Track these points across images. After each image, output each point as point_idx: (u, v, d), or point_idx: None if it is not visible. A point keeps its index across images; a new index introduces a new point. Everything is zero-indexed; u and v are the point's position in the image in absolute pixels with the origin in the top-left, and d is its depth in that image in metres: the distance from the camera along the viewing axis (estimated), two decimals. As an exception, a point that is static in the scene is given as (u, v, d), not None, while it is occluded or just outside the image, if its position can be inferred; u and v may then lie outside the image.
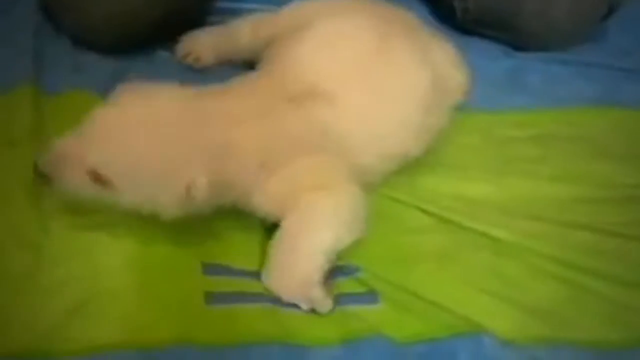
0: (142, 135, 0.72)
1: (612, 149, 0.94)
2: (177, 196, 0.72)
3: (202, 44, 0.94)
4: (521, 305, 0.77)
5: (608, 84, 1.02)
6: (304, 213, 0.75)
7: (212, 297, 0.74)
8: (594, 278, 0.80)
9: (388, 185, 0.86)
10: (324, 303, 0.74)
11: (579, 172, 0.91)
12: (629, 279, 0.80)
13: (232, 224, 0.80)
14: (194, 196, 0.71)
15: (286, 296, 0.74)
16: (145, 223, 0.76)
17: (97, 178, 0.71)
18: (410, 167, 0.87)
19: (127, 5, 0.90)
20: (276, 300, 0.75)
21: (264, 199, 0.76)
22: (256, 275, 0.77)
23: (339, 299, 0.76)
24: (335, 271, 0.78)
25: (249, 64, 0.91)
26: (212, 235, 0.79)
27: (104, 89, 0.83)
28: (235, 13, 1.04)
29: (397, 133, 0.81)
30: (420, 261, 0.81)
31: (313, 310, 0.74)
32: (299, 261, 0.75)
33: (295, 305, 0.75)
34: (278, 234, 0.76)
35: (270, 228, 0.79)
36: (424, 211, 0.85)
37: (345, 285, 0.77)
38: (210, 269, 0.76)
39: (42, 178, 0.73)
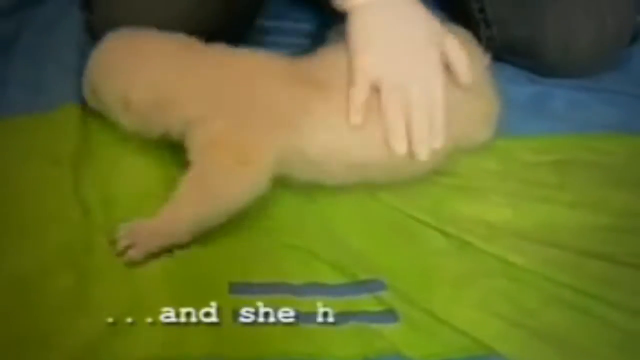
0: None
1: (631, 177, 0.96)
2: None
3: None
4: (533, 331, 0.79)
5: (629, 111, 1.04)
6: (204, 179, 0.84)
7: (238, 315, 0.78)
8: (606, 307, 0.81)
9: (414, 206, 0.90)
10: None
11: (597, 199, 0.93)
12: (635, 308, 0.81)
13: (257, 242, 0.85)
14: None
15: None
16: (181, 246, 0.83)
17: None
18: (436, 189, 0.91)
19: (171, 26, 0.93)
20: (300, 317, 0.78)
21: (196, 137, 0.85)
22: (282, 288, 0.81)
23: (361, 317, 0.79)
24: (361, 287, 0.82)
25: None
26: (238, 256, 0.83)
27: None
28: (277, 31, 1.09)
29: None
30: (439, 283, 0.84)
31: None
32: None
33: (319, 323, 0.78)
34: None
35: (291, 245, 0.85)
36: (445, 234, 0.88)
37: (368, 303, 0.81)
38: (237, 288, 0.80)
39: None
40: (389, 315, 0.80)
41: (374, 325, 0.79)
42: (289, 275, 0.83)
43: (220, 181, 0.84)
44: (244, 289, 0.80)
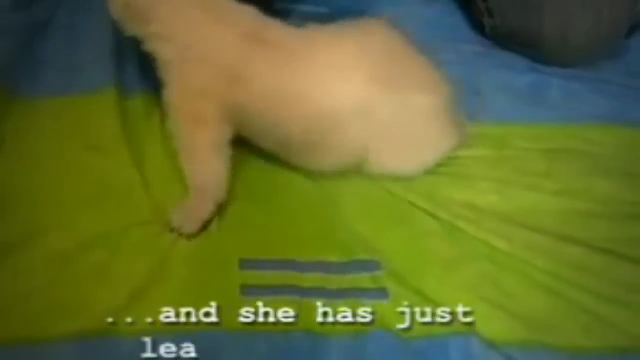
0: None
1: (617, 167, 1.00)
2: None
3: None
4: (509, 312, 0.87)
5: (622, 102, 1.07)
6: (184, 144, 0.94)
7: (246, 290, 0.86)
8: (579, 291, 0.88)
9: (411, 192, 0.96)
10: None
11: (582, 187, 0.97)
12: (609, 295, 0.88)
13: (270, 219, 0.93)
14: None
15: None
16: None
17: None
18: (432, 176, 0.97)
19: None
20: (302, 292, 0.86)
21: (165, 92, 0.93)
22: (288, 265, 0.89)
23: (356, 293, 0.87)
24: (359, 266, 0.89)
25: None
26: (249, 235, 0.91)
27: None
28: (291, 14, 1.14)
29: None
30: (430, 265, 0.90)
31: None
32: None
33: (318, 297, 0.86)
34: None
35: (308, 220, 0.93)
36: (437, 218, 0.94)
37: (364, 281, 0.88)
38: (247, 264, 0.88)
39: None
40: (381, 292, 0.87)
41: (367, 301, 0.86)
42: (295, 253, 0.90)
43: (190, 143, 0.93)
44: (253, 265, 0.88)
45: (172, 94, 0.93)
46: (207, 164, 0.93)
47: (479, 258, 0.91)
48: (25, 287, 0.85)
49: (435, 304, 0.86)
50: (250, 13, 0.94)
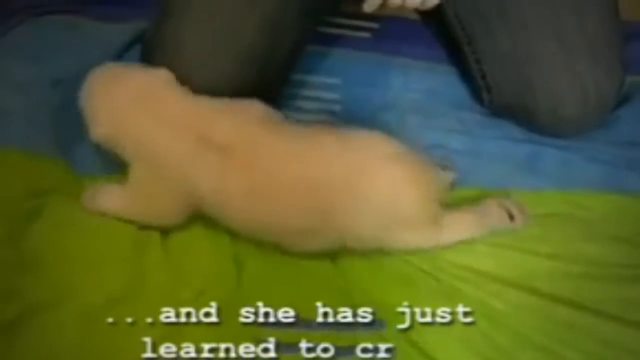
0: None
1: (604, 231, 1.06)
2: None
3: None
4: None
5: (613, 170, 1.13)
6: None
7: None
8: (568, 349, 0.94)
9: (416, 255, 1.01)
10: None
11: (573, 251, 1.03)
12: (598, 353, 0.94)
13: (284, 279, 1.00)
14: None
15: None
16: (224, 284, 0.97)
17: None
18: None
19: (208, 81, 1.03)
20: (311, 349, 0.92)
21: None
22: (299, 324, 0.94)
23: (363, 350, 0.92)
24: (366, 325, 0.94)
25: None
26: (267, 295, 0.96)
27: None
28: (305, 85, 1.21)
29: None
30: (431, 325, 0.94)
31: None
32: None
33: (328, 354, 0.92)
34: None
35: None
36: (439, 280, 1.00)
37: (370, 338, 0.93)
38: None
39: None
40: (387, 349, 0.92)
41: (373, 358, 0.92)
42: (307, 312, 0.94)
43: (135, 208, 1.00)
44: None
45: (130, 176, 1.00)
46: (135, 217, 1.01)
47: (477, 316, 0.96)
48: (57, 344, 0.89)
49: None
50: (201, 108, 0.99)
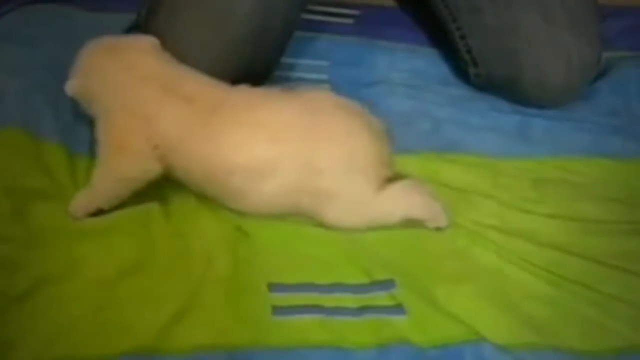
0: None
1: (596, 193, 1.11)
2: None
3: None
4: (516, 318, 0.94)
5: (598, 138, 1.19)
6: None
7: (277, 310, 0.92)
8: (576, 298, 0.97)
9: None
10: None
11: (570, 211, 1.08)
12: (604, 302, 0.97)
13: (291, 249, 0.99)
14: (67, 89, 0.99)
15: None
16: (232, 252, 0.97)
17: None
18: (447, 202, 1.04)
19: (202, 65, 1.03)
20: (325, 311, 0.92)
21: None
22: (311, 288, 0.95)
23: (376, 311, 0.93)
24: (377, 286, 0.96)
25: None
26: (276, 259, 0.97)
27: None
28: (293, 68, 1.23)
29: None
30: (442, 281, 0.97)
31: None
32: None
33: (340, 315, 0.92)
34: None
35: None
36: (449, 241, 1.02)
37: (382, 299, 0.94)
38: (275, 287, 0.94)
39: None
40: (399, 308, 0.93)
41: (386, 317, 0.92)
42: (318, 277, 0.96)
43: (112, 162, 1.00)
44: (280, 288, 0.94)
45: (101, 130, 1.00)
46: (114, 190, 1.00)
47: (485, 272, 0.99)
48: (72, 312, 0.88)
49: (447, 314, 0.93)
50: (171, 66, 1.02)
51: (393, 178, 1.02)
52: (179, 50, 1.05)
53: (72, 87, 1.00)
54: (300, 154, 0.98)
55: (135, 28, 1.14)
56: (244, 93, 1.01)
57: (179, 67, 1.03)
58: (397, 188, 1.01)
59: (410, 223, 1.02)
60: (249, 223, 1.01)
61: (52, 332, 0.86)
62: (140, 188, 1.00)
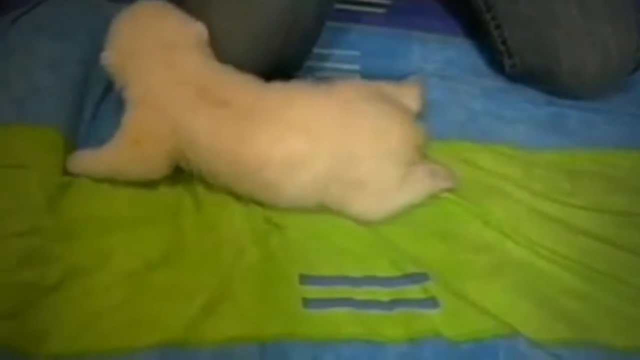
0: None
1: (631, 186, 1.10)
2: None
3: None
4: (550, 313, 0.93)
5: (632, 129, 1.17)
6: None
7: (308, 303, 0.91)
8: (611, 292, 0.96)
9: (462, 208, 1.03)
10: None
11: (603, 203, 1.06)
12: (637, 297, 0.96)
13: (323, 243, 0.98)
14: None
15: None
16: (262, 243, 0.97)
17: None
18: (469, 188, 1.05)
19: (233, 55, 1.03)
20: (357, 304, 0.92)
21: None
22: (343, 281, 0.94)
23: (408, 304, 0.92)
24: (409, 279, 0.95)
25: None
26: (307, 251, 0.97)
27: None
28: (325, 58, 1.22)
29: None
30: (474, 275, 0.97)
31: None
32: None
33: (372, 309, 0.92)
34: None
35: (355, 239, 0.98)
36: (477, 231, 1.01)
37: (414, 292, 0.94)
38: (306, 279, 0.94)
39: None
40: (431, 302, 0.93)
41: (419, 311, 0.92)
42: (350, 270, 0.95)
43: (122, 154, 0.99)
44: (311, 281, 0.94)
45: (125, 117, 1.00)
46: (111, 174, 1.00)
47: (518, 266, 0.98)
48: (103, 304, 0.88)
49: (480, 308, 0.92)
50: (210, 69, 1.01)
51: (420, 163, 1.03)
52: (213, 41, 1.03)
53: (107, 59, 1.00)
54: (333, 144, 0.97)
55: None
56: (278, 91, 1.00)
57: (216, 66, 1.02)
58: (423, 174, 1.02)
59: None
60: (279, 215, 1.00)
61: (83, 324, 0.86)
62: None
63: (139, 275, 0.92)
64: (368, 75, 1.20)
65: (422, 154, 1.04)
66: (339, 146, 0.97)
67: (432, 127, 1.07)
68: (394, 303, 0.93)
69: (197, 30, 1.02)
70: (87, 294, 0.89)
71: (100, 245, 0.94)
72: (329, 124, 0.98)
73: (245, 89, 1.00)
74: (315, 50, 1.16)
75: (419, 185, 1.01)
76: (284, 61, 1.10)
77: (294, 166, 0.97)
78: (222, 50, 1.04)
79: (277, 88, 1.01)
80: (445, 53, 1.26)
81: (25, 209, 0.94)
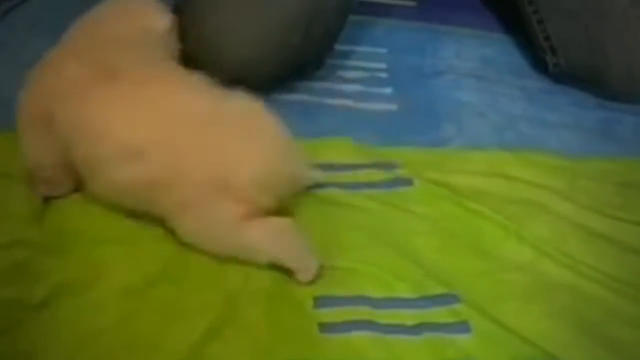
0: None
1: None
2: None
3: None
4: (596, 341, 0.86)
5: None
6: None
7: (325, 327, 0.84)
8: None
9: (487, 220, 0.97)
10: None
11: None
12: None
13: (338, 260, 0.91)
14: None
15: None
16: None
17: None
18: (505, 203, 0.99)
19: (250, 49, 1.00)
20: (379, 329, 0.85)
21: None
22: (362, 301, 0.87)
23: (436, 328, 0.85)
24: (436, 301, 0.88)
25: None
26: (321, 272, 0.89)
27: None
28: (349, 56, 1.16)
29: None
30: (510, 297, 0.90)
31: None
32: None
33: (397, 334, 0.84)
34: None
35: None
36: (517, 252, 0.94)
37: (443, 315, 0.87)
38: (322, 301, 0.87)
39: None
40: (462, 326, 0.86)
41: (448, 336, 0.85)
42: (369, 290, 0.88)
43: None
44: (327, 302, 0.87)
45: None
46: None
47: (559, 287, 0.92)
48: (97, 324, 0.82)
49: (517, 334, 0.85)
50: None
51: (275, 212, 0.91)
52: (221, 35, 1.00)
53: None
54: (172, 150, 0.87)
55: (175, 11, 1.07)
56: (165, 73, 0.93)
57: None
58: (268, 225, 0.89)
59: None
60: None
61: (73, 346, 0.81)
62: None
63: (137, 292, 0.86)
64: (395, 73, 1.15)
65: (279, 201, 0.91)
66: (175, 155, 0.87)
67: (466, 133, 1.04)
68: (420, 327, 0.86)
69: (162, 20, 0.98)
70: (79, 313, 0.84)
71: (92, 259, 0.89)
72: (180, 125, 0.88)
73: (143, 64, 0.93)
74: (337, 46, 1.12)
75: (257, 240, 0.89)
76: (302, 59, 1.05)
77: (122, 155, 0.87)
78: (235, 44, 1.00)
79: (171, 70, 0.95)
80: (482, 50, 1.23)
81: (9, 220, 0.90)
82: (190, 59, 1.00)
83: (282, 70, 1.02)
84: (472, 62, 1.19)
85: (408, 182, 1.00)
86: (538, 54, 1.18)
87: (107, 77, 0.90)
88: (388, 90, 1.11)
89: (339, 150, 1.04)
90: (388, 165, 1.02)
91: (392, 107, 1.09)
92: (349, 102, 1.09)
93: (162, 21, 0.98)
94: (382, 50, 1.19)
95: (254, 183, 0.87)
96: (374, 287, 0.89)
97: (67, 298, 0.84)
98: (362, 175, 1.01)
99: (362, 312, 0.87)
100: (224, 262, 0.89)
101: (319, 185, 0.98)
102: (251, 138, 0.89)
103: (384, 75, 1.15)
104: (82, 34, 0.96)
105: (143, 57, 0.95)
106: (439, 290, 0.89)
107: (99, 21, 0.97)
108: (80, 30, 0.96)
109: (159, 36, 0.97)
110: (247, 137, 0.89)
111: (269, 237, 0.89)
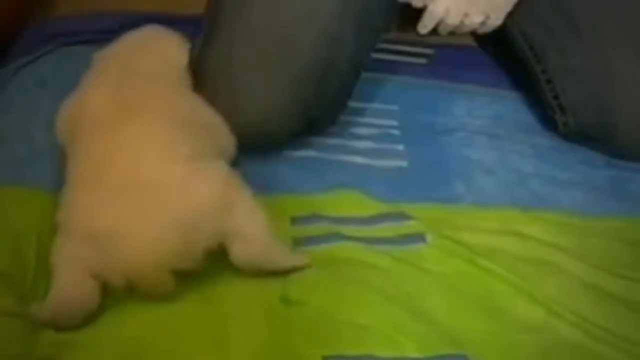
0: None
1: None
2: None
3: None
4: None
5: None
6: None
7: None
8: None
9: (497, 279, 0.95)
10: None
11: None
12: None
13: (347, 318, 0.89)
14: None
15: None
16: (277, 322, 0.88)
17: None
18: (515, 261, 0.97)
19: (264, 102, 0.99)
20: None
21: None
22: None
23: None
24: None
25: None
26: (330, 331, 0.88)
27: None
28: (361, 113, 1.16)
29: None
30: (521, 358, 0.88)
31: None
32: None
33: None
34: None
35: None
36: (528, 311, 0.92)
37: None
38: None
39: None
40: None
41: None
42: (378, 349, 0.86)
43: None
44: None
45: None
46: None
47: (571, 348, 0.90)
48: None
49: None
50: None
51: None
52: (237, 82, 0.99)
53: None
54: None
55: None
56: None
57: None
58: None
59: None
60: (296, 290, 0.91)
61: None
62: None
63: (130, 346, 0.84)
64: (407, 130, 1.14)
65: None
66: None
67: (478, 191, 1.04)
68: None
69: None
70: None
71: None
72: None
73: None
74: (350, 103, 1.11)
75: None
76: (316, 112, 1.04)
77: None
78: (249, 97, 0.99)
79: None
80: (493, 108, 1.21)
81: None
82: None
83: (295, 125, 1.01)
84: (483, 119, 1.18)
85: (421, 238, 0.99)
86: (548, 112, 1.17)
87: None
88: (400, 147, 1.11)
89: (351, 203, 1.03)
90: (401, 217, 1.01)
91: (403, 163, 1.09)
92: (360, 159, 1.09)
93: (183, 54, 1.01)
94: (394, 108, 1.18)
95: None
96: (383, 346, 0.87)
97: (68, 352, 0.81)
98: (376, 230, 1.00)
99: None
100: (223, 320, 0.87)
101: (333, 238, 0.97)
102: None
103: (395, 132, 1.14)
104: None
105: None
106: (449, 350, 0.87)
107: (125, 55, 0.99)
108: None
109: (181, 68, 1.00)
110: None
111: None
